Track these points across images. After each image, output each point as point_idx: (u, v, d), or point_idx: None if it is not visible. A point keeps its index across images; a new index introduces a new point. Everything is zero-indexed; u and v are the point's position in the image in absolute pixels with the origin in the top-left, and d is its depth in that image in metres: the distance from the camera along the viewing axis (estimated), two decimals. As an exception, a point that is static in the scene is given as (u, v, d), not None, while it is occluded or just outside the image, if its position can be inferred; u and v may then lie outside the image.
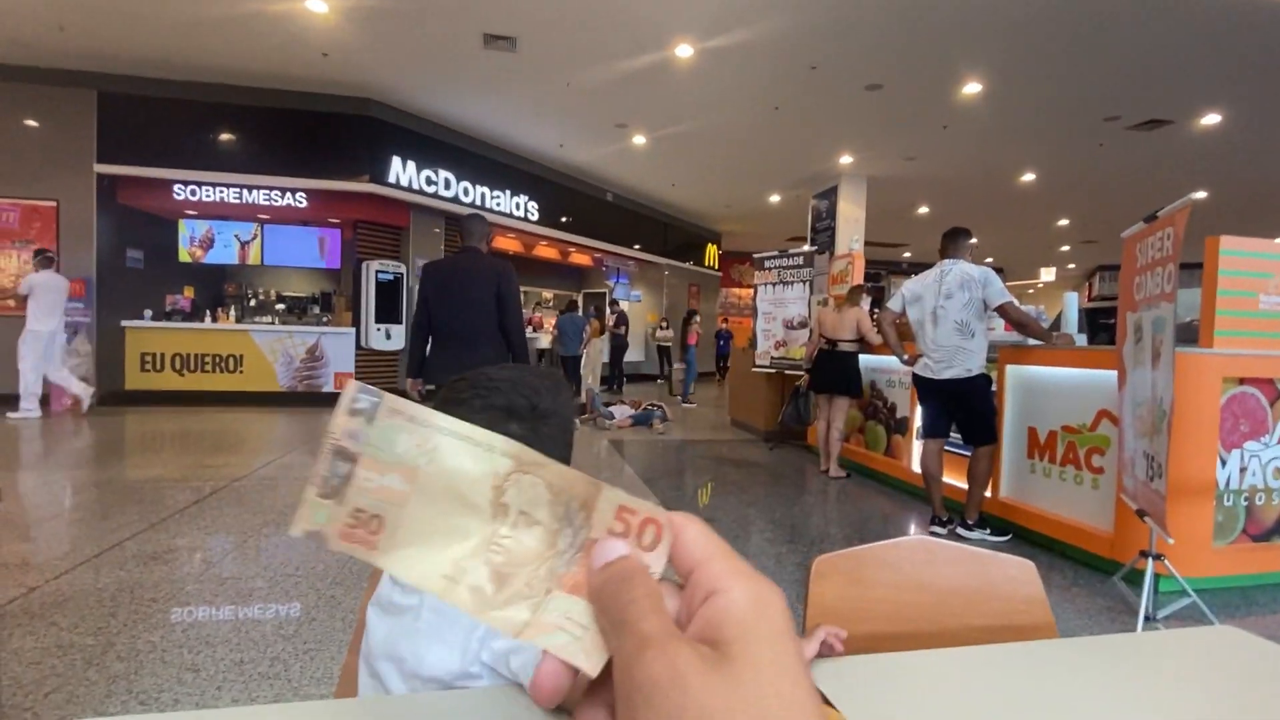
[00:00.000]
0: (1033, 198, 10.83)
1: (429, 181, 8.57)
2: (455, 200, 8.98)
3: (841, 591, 1.02)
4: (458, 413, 0.69)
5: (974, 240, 3.77)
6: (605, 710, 0.24)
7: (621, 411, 7.58)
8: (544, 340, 11.88)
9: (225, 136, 7.73)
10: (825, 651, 0.85)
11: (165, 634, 2.26)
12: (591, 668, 0.24)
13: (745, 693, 0.20)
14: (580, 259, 13.90)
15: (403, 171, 8.22)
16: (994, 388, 3.75)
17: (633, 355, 12.58)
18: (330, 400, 8.22)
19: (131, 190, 7.64)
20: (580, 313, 10.74)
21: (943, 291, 3.57)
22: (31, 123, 7.28)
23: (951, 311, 3.53)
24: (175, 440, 6.19)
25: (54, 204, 7.37)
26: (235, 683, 1.96)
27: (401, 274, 8.56)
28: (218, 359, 8.08)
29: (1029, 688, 0.79)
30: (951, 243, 3.68)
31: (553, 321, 12.33)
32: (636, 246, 13.14)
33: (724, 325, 15.04)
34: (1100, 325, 4.46)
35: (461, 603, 0.27)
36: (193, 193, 7.73)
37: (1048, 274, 17.00)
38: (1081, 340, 3.88)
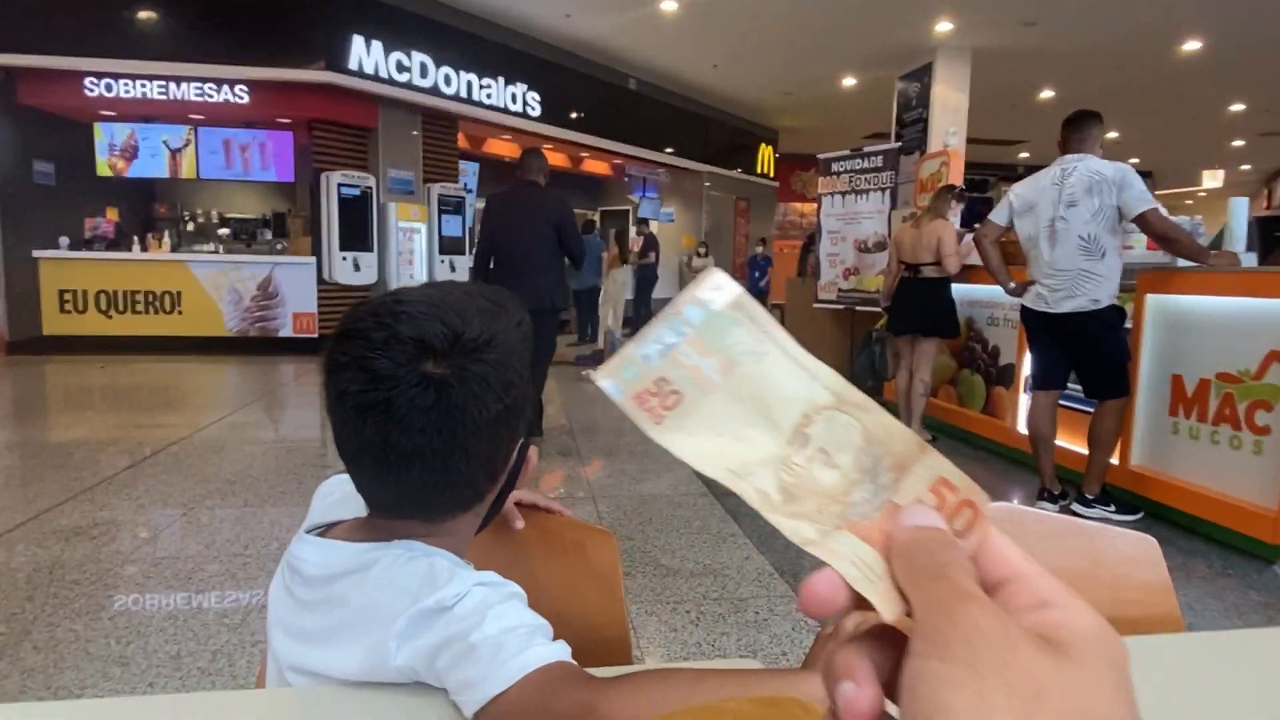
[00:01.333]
0: (1197, 75, 10.23)
1: (400, 67, 8.45)
2: (434, 91, 8.86)
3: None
4: (353, 346, 0.66)
5: (1105, 131, 3.57)
6: (870, 661, 0.26)
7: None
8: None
9: (146, 15, 7.66)
10: None
11: (90, 621, 2.37)
12: (888, 613, 0.27)
13: (1079, 681, 0.23)
14: (596, 166, 13.71)
15: (367, 55, 8.11)
16: (1127, 324, 3.62)
17: (663, 289, 12.48)
18: (290, 345, 8.40)
19: (34, 86, 7.69)
20: (597, 235, 10.64)
21: (1064, 198, 3.42)
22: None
23: (1075, 224, 3.38)
24: (104, 395, 6.40)
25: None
26: (170, 678, 2.06)
27: (371, 187, 8.55)
28: (151, 297, 8.26)
29: (1144, 694, 0.76)
30: (1076, 132, 3.50)
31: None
32: (669, 150, 12.88)
33: (761, 251, 14.39)
34: (1277, 240, 4.25)
35: (747, 497, 0.31)
36: (108, 87, 7.76)
37: (1212, 179, 16.25)
38: (1250, 260, 3.70)
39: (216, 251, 8.92)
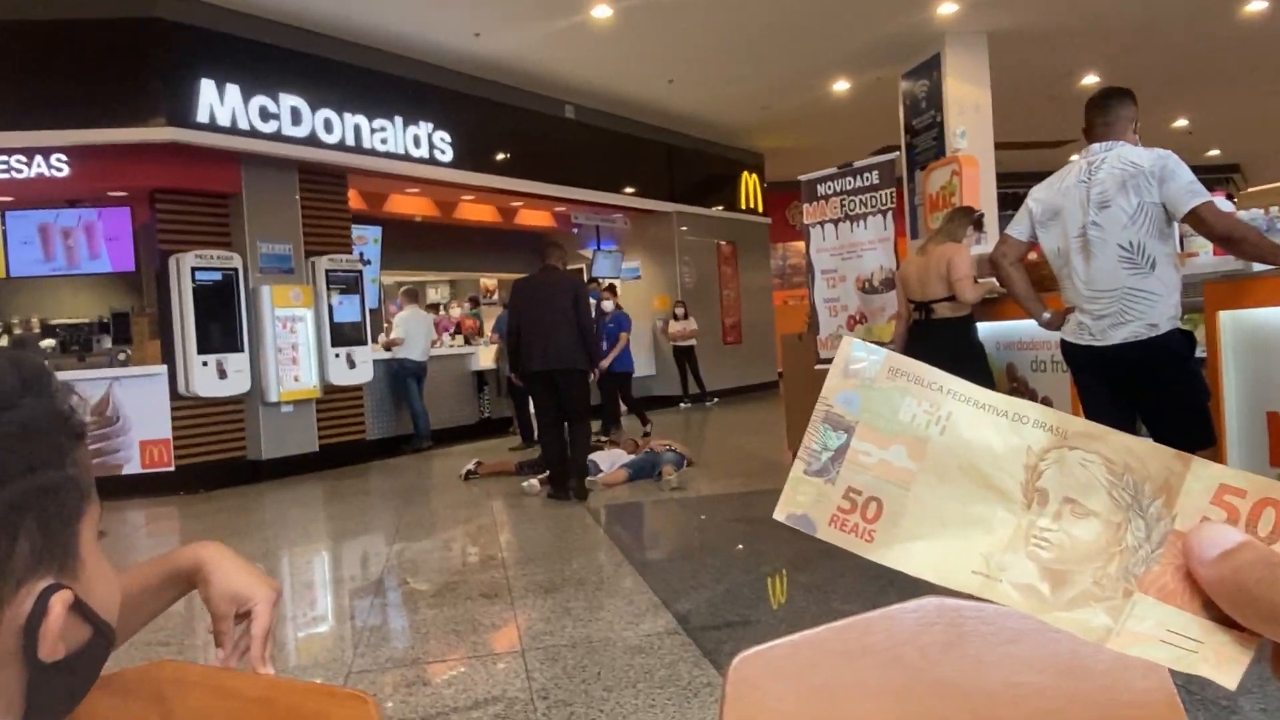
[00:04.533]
0: (1276, 41, 10.67)
1: (265, 115, 8.64)
2: (312, 140, 9.05)
3: (789, 709, 0.94)
4: None
5: (1138, 112, 3.66)
6: None
7: (610, 460, 7.50)
8: (484, 357, 11.88)
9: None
10: None
11: None
12: (1228, 679, 0.30)
13: None
14: (533, 218, 13.98)
15: (220, 103, 8.30)
16: (1201, 352, 3.63)
17: (637, 367, 12.51)
18: (139, 485, 8.27)
19: None
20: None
21: (1094, 198, 3.47)
22: None
23: (1112, 230, 3.43)
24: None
25: None
26: None
27: (236, 269, 8.60)
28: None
29: None
30: (1101, 114, 3.60)
31: (492, 324, 12.33)
32: (627, 190, 13.19)
33: (604, 303, 10.50)
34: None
35: (1011, 602, 0.34)
36: (-115, 171, 7.85)
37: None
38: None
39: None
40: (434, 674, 3.51)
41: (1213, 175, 16.95)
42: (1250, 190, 16.09)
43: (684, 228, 14.37)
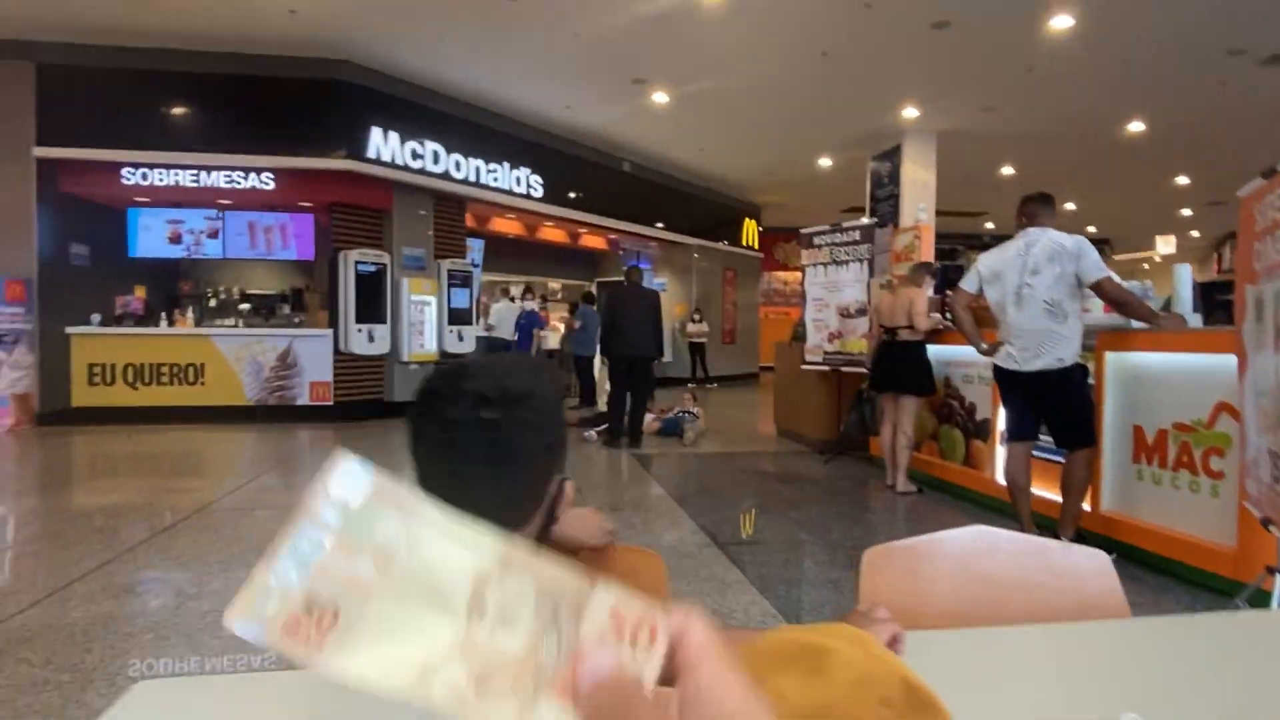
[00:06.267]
0: (1142, 152, 10.73)
1: (414, 155, 8.81)
2: (445, 176, 9.22)
3: (897, 584, 1.14)
4: (429, 400, 0.83)
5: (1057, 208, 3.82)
6: None
7: (648, 419, 7.67)
8: (552, 339, 12.07)
9: (180, 111, 8.05)
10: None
11: (144, 669, 2.44)
12: None
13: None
14: (593, 241, 14.11)
15: (384, 144, 8.47)
16: (1091, 380, 3.80)
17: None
18: (306, 414, 8.48)
19: (75, 176, 7.98)
20: (595, 308, 10.90)
21: (1028, 266, 3.64)
22: (-39, 102, 7.66)
23: (1039, 289, 3.60)
24: (132, 463, 6.47)
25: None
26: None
27: (385, 264, 8.80)
28: (175, 369, 8.39)
29: (1099, 665, 0.90)
30: (1038, 209, 3.75)
31: (561, 316, 12.51)
32: (659, 225, 13.29)
33: (527, 305, 11.10)
34: (1219, 302, 4.48)
35: (440, 703, 0.29)
36: (144, 176, 8.06)
37: (1165, 245, 16.73)
38: (1196, 321, 3.91)
39: (237, 326, 9.10)
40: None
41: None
42: (1116, 258, 16.05)
43: (697, 255, 14.48)
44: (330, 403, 8.59)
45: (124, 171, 8.02)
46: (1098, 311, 4.19)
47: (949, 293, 4.33)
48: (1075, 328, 3.61)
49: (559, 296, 15.32)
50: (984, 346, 3.94)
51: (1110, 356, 3.83)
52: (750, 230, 15.77)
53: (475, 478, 0.81)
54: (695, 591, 3.23)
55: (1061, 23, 6.70)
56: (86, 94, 7.81)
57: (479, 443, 0.80)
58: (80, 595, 3.11)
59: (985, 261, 3.89)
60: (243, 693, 0.88)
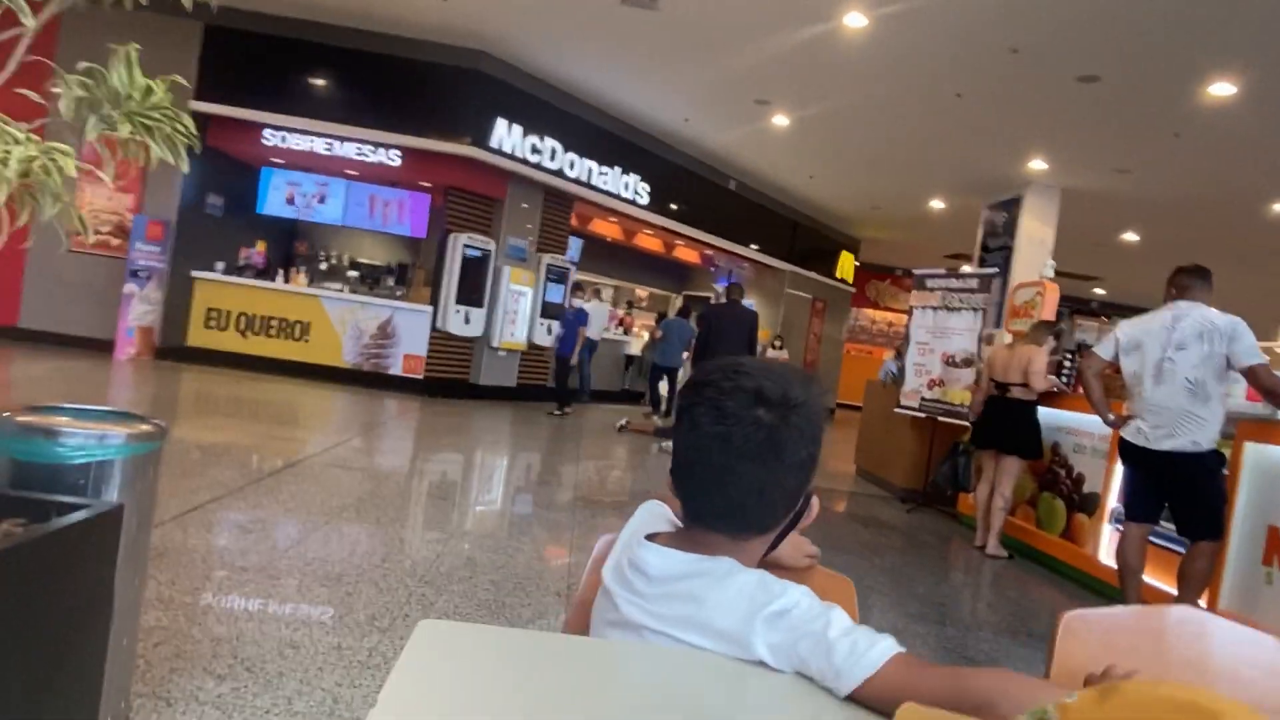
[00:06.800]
0: (1282, 234, 10.09)
1: (534, 149, 9.01)
2: (559, 174, 9.39)
3: (1093, 654, 1.08)
4: (706, 392, 0.83)
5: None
6: None
7: None
8: (634, 345, 12.12)
9: (323, 82, 8.46)
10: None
11: (261, 605, 2.55)
12: None
13: None
14: (686, 254, 14.11)
15: (507, 135, 8.69)
16: (1225, 470, 3.57)
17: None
18: (397, 383, 8.74)
19: (221, 132, 8.47)
20: (688, 320, 10.86)
21: (1174, 341, 3.45)
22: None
23: (1183, 366, 3.40)
24: (239, 406, 6.81)
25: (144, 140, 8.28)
26: (336, 666, 2.20)
27: (490, 251, 9.02)
28: (284, 324, 8.80)
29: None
30: (1193, 282, 3.56)
31: (647, 324, 12.55)
32: (754, 246, 13.21)
33: (582, 301, 9.67)
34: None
35: None
36: (283, 139, 8.50)
37: (1289, 335, 15.68)
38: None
39: (343, 290, 9.48)
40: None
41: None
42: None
43: (789, 283, 14.31)
44: (420, 376, 8.84)
45: (265, 132, 8.48)
46: (1238, 397, 3.95)
47: (1075, 357, 4.14)
48: (1217, 412, 3.40)
49: (644, 305, 15.39)
50: (1111, 418, 3.75)
51: (1250, 447, 3.59)
52: (846, 263, 15.50)
53: (742, 473, 0.82)
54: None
55: (1221, 90, 6.35)
56: (243, 56, 8.29)
57: (753, 440, 0.80)
58: (200, 524, 3.27)
59: (1125, 329, 3.71)
60: (516, 643, 0.93)
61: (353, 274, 10.24)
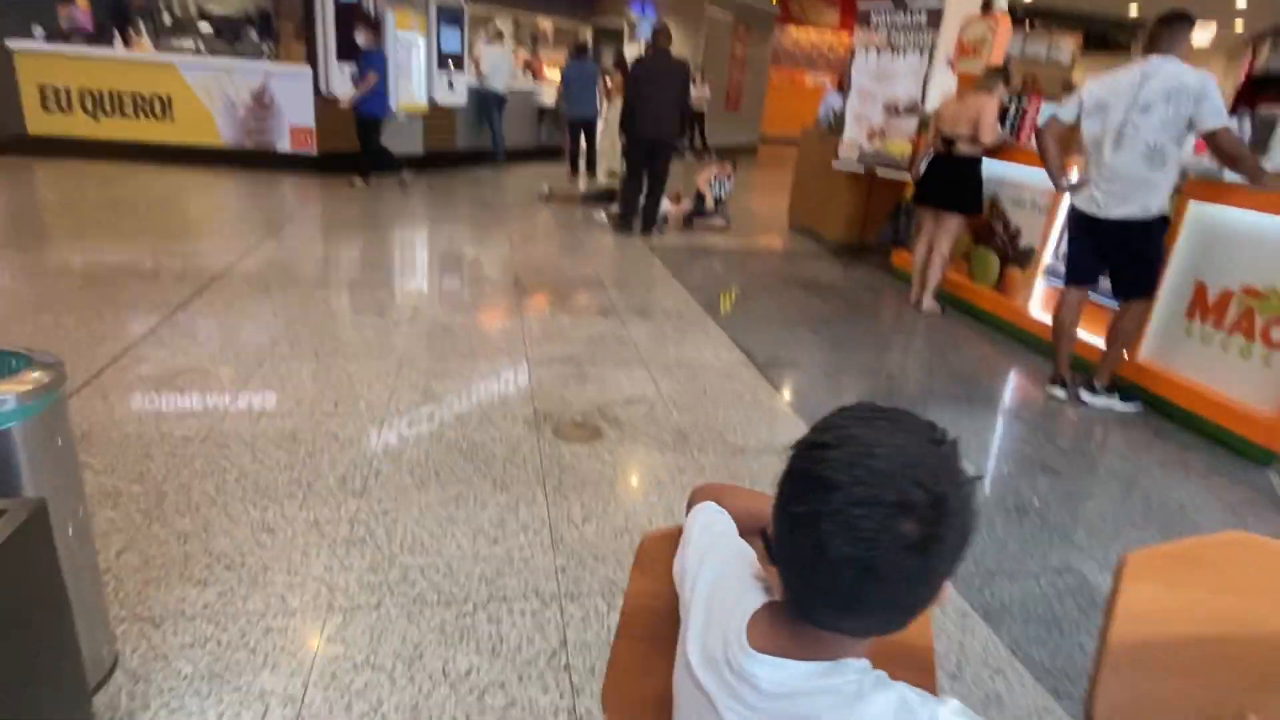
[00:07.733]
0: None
1: None
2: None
3: (1156, 593, 1.07)
4: (834, 499, 0.65)
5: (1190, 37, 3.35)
6: None
7: (665, 208, 7.11)
8: (546, 95, 11.09)
9: None
10: None
11: (218, 483, 2.39)
12: None
13: None
14: (593, -23, 12.46)
15: None
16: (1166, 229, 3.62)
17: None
18: (287, 161, 7.87)
19: None
20: (590, 60, 9.85)
21: (1140, 101, 3.27)
22: None
23: (1144, 130, 3.27)
24: (114, 211, 6.01)
25: None
26: (320, 547, 2.12)
27: (368, -7, 7.68)
28: (140, 100, 7.55)
29: None
30: (1167, 31, 3.28)
31: (559, 63, 11.40)
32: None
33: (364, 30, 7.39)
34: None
35: None
36: None
37: (1203, 32, 15.55)
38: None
39: (199, 51, 8.06)
40: (590, 374, 3.53)
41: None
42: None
43: (710, 6, 13.00)
44: (314, 152, 7.95)
45: None
46: (1187, 152, 3.90)
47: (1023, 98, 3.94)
48: (1170, 176, 3.35)
49: (550, 41, 13.82)
50: (1067, 182, 3.67)
51: (1194, 206, 3.61)
52: (767, -23, 14.08)
53: (882, 596, 0.67)
54: (747, 421, 3.21)
55: None
56: None
57: (901, 566, 0.64)
58: (119, 385, 2.97)
59: (1092, 89, 3.49)
60: None
61: (205, 27, 8.66)
